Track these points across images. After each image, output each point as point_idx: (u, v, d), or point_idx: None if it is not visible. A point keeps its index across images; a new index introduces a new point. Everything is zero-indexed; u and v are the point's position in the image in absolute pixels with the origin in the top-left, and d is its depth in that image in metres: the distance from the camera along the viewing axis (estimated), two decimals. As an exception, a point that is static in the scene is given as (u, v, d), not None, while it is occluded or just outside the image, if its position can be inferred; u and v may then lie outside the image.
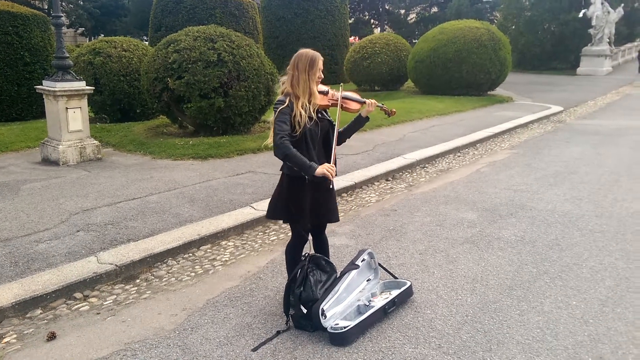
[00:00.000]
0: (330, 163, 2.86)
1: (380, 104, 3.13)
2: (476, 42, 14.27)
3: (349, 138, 3.18)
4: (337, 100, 3.01)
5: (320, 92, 2.99)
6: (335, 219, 3.20)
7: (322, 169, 2.77)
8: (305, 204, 3.01)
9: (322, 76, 2.97)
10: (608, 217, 4.99)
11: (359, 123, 3.13)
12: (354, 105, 3.11)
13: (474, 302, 3.30)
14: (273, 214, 3.17)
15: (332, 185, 2.94)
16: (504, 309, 3.22)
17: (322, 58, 2.97)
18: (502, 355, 2.74)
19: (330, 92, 3.06)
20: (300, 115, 2.83)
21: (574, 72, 25.44)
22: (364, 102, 3.10)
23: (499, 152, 8.24)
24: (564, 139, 9.32)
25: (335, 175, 2.85)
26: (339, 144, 3.05)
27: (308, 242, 3.22)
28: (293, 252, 3.20)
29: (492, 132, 9.51)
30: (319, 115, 2.96)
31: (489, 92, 15.52)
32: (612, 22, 25.92)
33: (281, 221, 4.86)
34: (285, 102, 2.86)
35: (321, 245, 3.32)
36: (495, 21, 33.07)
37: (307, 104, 2.88)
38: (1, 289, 3.33)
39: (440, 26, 15.85)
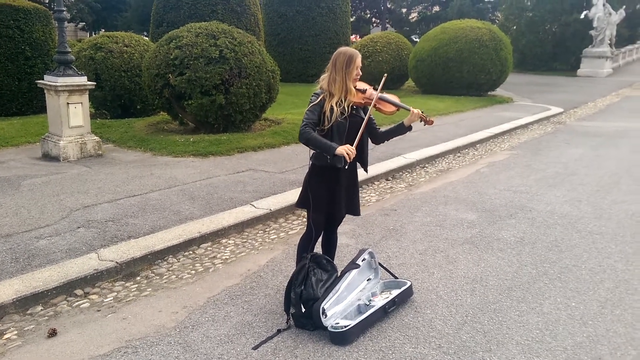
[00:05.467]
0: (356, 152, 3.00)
1: (423, 114, 3.05)
2: (477, 42, 14.27)
3: (387, 141, 3.22)
4: (371, 100, 3.02)
5: (358, 90, 3.05)
6: (357, 212, 3.28)
7: (341, 149, 2.83)
8: (326, 195, 3.08)
9: (360, 73, 3.04)
10: (607, 218, 5.00)
11: (399, 130, 3.12)
12: (389, 108, 3.07)
13: (473, 303, 3.32)
14: (300, 202, 3.23)
15: (346, 166, 2.92)
16: (504, 310, 3.23)
17: (359, 56, 3.02)
18: (501, 355, 2.76)
19: (369, 91, 3.08)
20: (331, 110, 2.93)
21: (575, 73, 25.45)
22: (407, 109, 3.03)
23: (499, 152, 8.25)
24: (564, 140, 9.33)
25: (353, 158, 2.86)
26: (376, 143, 3.23)
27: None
28: (303, 245, 3.25)
29: (492, 132, 9.52)
30: (353, 111, 3.03)
31: (489, 93, 15.52)
32: (613, 24, 25.92)
33: (281, 220, 4.92)
34: (319, 97, 2.99)
35: (330, 241, 3.39)
36: (497, 21, 33.04)
37: (343, 101, 2.97)
38: (2, 285, 3.33)
39: (442, 26, 15.85)
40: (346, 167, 2.90)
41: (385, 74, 3.23)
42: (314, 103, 2.99)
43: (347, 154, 2.80)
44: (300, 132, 2.93)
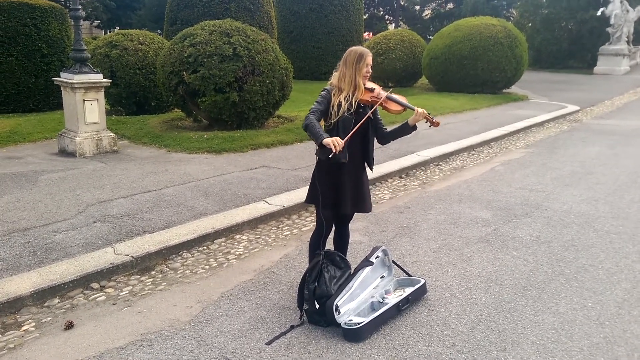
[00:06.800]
0: (356, 147, 3.05)
1: (428, 115, 3.04)
2: (492, 39, 14.12)
3: (393, 141, 3.24)
4: (379, 99, 3.05)
5: (367, 89, 3.08)
6: (366, 209, 3.24)
7: (328, 139, 2.79)
8: (332, 190, 3.08)
9: (370, 72, 3.07)
10: (624, 218, 4.93)
11: (404, 130, 3.13)
12: (395, 107, 3.10)
13: (488, 302, 3.29)
14: (309, 198, 3.24)
15: (330, 155, 2.83)
16: (519, 309, 3.20)
17: (370, 54, 3.06)
18: (516, 355, 2.73)
19: (377, 90, 3.10)
20: (339, 105, 2.97)
21: (591, 71, 25.05)
22: (412, 109, 3.03)
23: (514, 151, 8.16)
24: (580, 138, 9.20)
25: (340, 150, 2.79)
26: (382, 143, 3.27)
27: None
28: (313, 241, 3.26)
29: (507, 130, 9.42)
30: (360, 109, 3.05)
31: (504, 90, 15.35)
32: (631, 21, 25.44)
33: (294, 216, 4.92)
34: (328, 92, 3.04)
35: (341, 237, 3.39)
36: (512, 18, 32.65)
37: (351, 96, 3.00)
38: (20, 278, 3.39)
39: (456, 23, 15.70)
40: (329, 157, 2.82)
41: (392, 87, 3.24)
42: (322, 97, 3.04)
43: (333, 145, 2.76)
44: (304, 118, 2.98)
